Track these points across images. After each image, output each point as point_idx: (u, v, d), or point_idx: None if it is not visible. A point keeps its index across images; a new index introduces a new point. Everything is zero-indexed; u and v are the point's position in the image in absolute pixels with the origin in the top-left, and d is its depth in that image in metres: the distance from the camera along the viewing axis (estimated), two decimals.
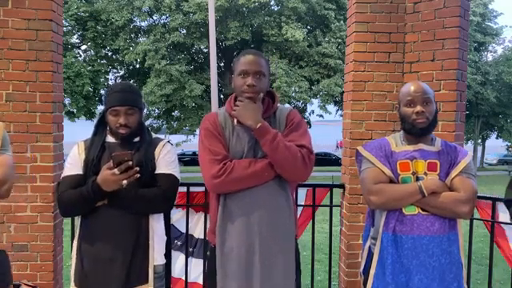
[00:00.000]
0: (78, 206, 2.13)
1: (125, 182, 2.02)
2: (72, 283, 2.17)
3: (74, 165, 2.20)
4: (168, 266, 2.30)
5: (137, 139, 2.22)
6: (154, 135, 2.31)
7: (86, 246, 2.14)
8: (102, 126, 2.25)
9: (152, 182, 2.15)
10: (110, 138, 2.22)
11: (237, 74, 2.10)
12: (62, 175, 2.24)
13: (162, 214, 2.24)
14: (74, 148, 2.25)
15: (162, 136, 2.47)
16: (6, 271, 2.07)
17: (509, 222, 2.74)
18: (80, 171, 2.17)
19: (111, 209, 2.10)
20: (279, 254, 2.00)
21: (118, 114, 2.15)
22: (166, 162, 2.20)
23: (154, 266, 2.15)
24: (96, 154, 2.16)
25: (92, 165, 2.14)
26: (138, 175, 2.05)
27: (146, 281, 2.11)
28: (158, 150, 2.22)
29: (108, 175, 2.02)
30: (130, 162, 2.02)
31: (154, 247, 2.13)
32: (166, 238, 2.28)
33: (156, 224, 2.17)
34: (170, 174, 2.19)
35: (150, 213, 2.15)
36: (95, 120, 2.34)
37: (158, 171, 2.17)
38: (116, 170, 1.99)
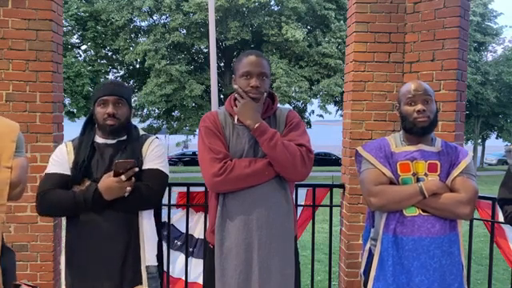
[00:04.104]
0: (67, 210, 2.07)
1: (129, 188, 2.00)
2: (63, 285, 2.12)
3: (60, 163, 2.13)
4: (160, 266, 2.24)
5: (123, 138, 2.16)
6: (141, 132, 2.25)
7: (76, 248, 2.08)
8: (90, 126, 2.20)
9: (138, 177, 2.08)
10: (98, 139, 2.16)
11: (239, 74, 2.10)
12: (46, 171, 2.15)
13: (152, 214, 2.16)
14: (62, 147, 2.18)
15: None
16: (12, 270, 2.07)
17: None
18: (67, 171, 2.10)
19: (100, 210, 2.04)
20: (278, 253, 2.00)
21: (107, 103, 2.10)
22: (152, 156, 2.15)
23: (147, 266, 2.09)
24: (86, 155, 2.10)
25: (82, 166, 2.08)
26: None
27: (140, 282, 2.06)
28: (145, 146, 2.17)
29: (113, 182, 1.98)
30: (137, 169, 2.02)
31: (144, 248, 2.08)
32: (157, 238, 2.20)
33: (146, 224, 2.11)
34: (155, 169, 2.13)
35: (137, 210, 2.08)
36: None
37: (144, 167, 2.12)
38: (123, 177, 1.98)
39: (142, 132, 2.26)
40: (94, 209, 2.03)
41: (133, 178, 2.03)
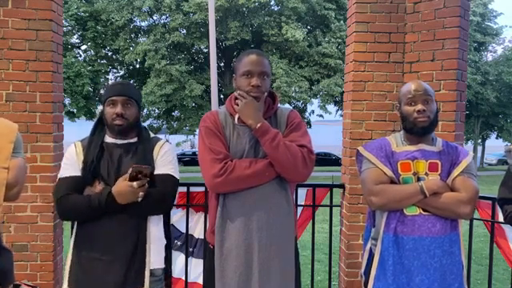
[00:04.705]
0: (83, 214, 2.08)
1: (141, 193, 2.02)
2: (65, 285, 2.12)
3: (71, 165, 2.14)
4: (168, 267, 2.26)
5: (134, 140, 2.19)
6: (152, 135, 2.27)
7: (84, 248, 2.09)
8: (100, 127, 2.21)
9: (151, 182, 2.11)
10: (108, 139, 2.18)
11: (240, 74, 2.08)
12: (59, 176, 2.16)
13: (161, 217, 2.19)
14: (71, 148, 2.19)
15: (162, 136, 2.45)
16: (10, 270, 2.07)
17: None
18: (78, 173, 2.11)
19: (109, 212, 2.05)
20: (278, 254, 2.00)
21: (116, 104, 2.12)
22: (164, 162, 2.17)
23: (152, 269, 2.10)
24: (95, 155, 2.11)
25: (92, 166, 2.10)
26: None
27: (142, 284, 2.07)
28: (156, 149, 2.18)
29: (126, 187, 2.00)
30: (149, 178, 2.03)
31: (150, 251, 2.09)
32: (165, 241, 2.22)
33: (154, 227, 2.13)
34: (168, 175, 2.15)
35: (149, 214, 2.11)
36: (95, 120, 2.31)
37: (156, 172, 2.13)
38: (135, 184, 1.99)
39: (152, 134, 2.28)
40: (107, 212, 2.04)
41: (146, 184, 2.04)
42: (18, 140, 2.02)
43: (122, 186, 2.01)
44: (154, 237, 2.12)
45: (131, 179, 2.01)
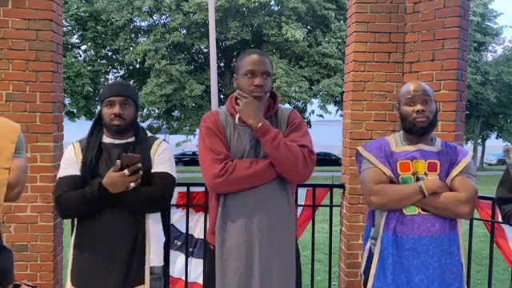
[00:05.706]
0: (79, 208, 2.10)
1: (132, 184, 2.03)
2: (69, 283, 2.15)
3: (70, 165, 2.16)
4: (166, 266, 2.27)
5: (132, 139, 2.20)
6: (149, 134, 2.29)
7: (84, 246, 2.11)
8: (98, 127, 2.23)
9: (148, 180, 2.12)
10: (106, 139, 2.19)
11: (242, 73, 2.06)
12: (59, 176, 2.18)
13: (159, 215, 2.21)
14: (70, 149, 2.21)
15: (162, 136, 2.46)
16: (10, 269, 2.07)
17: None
18: (77, 172, 2.13)
19: (108, 210, 2.07)
20: (279, 255, 1.99)
21: (113, 104, 2.13)
22: (161, 160, 2.18)
23: (151, 267, 2.12)
24: (94, 155, 2.13)
25: (90, 166, 2.11)
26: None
27: (143, 281, 2.09)
28: (153, 148, 2.20)
29: (116, 177, 2.01)
30: (140, 165, 2.04)
31: (150, 248, 2.11)
32: (164, 239, 2.24)
33: (153, 225, 2.14)
34: (166, 173, 2.17)
35: (146, 212, 2.12)
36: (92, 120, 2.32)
37: (153, 170, 2.15)
38: (126, 171, 2.00)
39: (149, 133, 2.29)
40: (102, 204, 2.06)
41: (140, 172, 2.05)
42: (20, 140, 2.01)
43: (112, 176, 2.02)
44: (153, 234, 2.14)
45: (122, 168, 2.02)
